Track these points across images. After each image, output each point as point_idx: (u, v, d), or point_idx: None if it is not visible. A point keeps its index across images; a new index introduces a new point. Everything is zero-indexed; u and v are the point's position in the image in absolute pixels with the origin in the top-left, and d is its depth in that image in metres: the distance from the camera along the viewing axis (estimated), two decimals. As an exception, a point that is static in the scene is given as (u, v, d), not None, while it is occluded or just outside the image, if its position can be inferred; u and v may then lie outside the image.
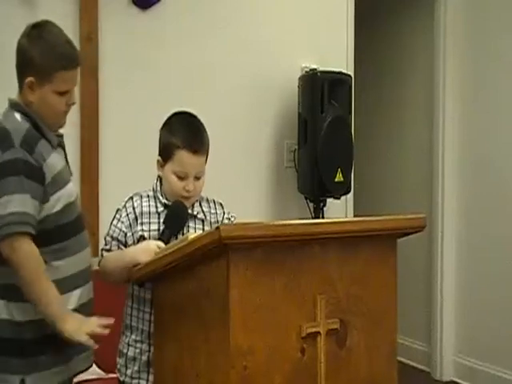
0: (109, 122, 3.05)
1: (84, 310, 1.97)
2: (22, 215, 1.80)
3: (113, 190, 3.03)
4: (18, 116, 1.92)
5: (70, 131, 2.93)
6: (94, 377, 2.67)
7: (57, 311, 1.83)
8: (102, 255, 2.05)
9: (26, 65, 1.90)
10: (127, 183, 3.03)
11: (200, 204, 2.09)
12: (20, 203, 1.80)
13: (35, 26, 1.94)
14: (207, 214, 2.08)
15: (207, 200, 2.12)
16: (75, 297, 1.95)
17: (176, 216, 2.00)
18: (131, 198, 2.07)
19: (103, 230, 2.93)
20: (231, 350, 1.54)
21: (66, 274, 1.92)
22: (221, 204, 2.15)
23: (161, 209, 2.03)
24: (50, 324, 1.83)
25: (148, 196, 2.07)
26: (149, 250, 1.88)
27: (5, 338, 1.88)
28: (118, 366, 2.08)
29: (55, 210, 1.90)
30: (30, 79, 1.89)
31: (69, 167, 2.06)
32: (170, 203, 2.03)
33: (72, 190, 1.98)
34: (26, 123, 1.90)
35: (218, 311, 1.58)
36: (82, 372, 2.06)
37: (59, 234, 1.92)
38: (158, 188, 2.07)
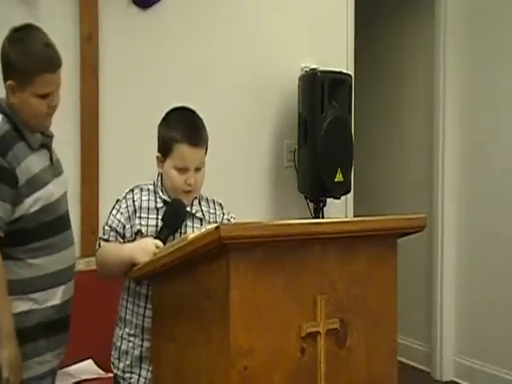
0: (109, 122, 3.05)
1: (66, 306, 2.04)
2: None
3: (113, 189, 3.01)
4: None
5: (71, 130, 2.96)
6: (94, 376, 2.67)
7: (5, 331, 1.86)
8: (99, 245, 2.05)
9: (7, 68, 1.94)
10: (127, 182, 3.04)
11: (199, 203, 2.09)
12: None
13: (17, 29, 1.96)
14: (206, 214, 2.07)
15: (207, 199, 2.12)
16: (59, 293, 2.01)
17: (174, 214, 2.00)
18: (132, 190, 2.07)
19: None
20: (231, 350, 1.54)
21: (47, 272, 1.97)
22: (220, 204, 2.14)
23: (160, 205, 2.03)
24: None
25: (148, 190, 2.07)
26: (147, 250, 1.88)
27: None
28: (112, 359, 2.09)
29: (32, 210, 1.93)
30: (10, 82, 1.92)
31: (58, 166, 2.08)
32: (169, 200, 2.02)
33: (52, 191, 2.00)
34: (6, 125, 1.93)
35: (218, 311, 1.58)
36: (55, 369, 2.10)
37: (37, 233, 1.95)
38: (159, 183, 2.07)
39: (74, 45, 2.94)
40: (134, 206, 2.02)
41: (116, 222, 2.02)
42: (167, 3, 3.19)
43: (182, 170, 1.99)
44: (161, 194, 2.04)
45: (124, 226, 2.01)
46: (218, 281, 1.58)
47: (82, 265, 2.88)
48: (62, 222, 2.04)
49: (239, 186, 3.44)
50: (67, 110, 2.92)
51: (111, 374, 2.15)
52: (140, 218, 2.01)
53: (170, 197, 2.04)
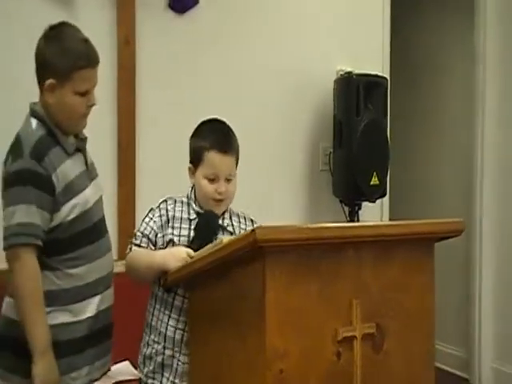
0: (145, 125, 3.08)
1: (103, 316, 1.98)
2: (26, 226, 1.80)
3: (149, 191, 3.06)
4: (33, 123, 1.90)
5: (108, 133, 3.00)
6: (130, 378, 2.69)
7: (37, 346, 1.81)
8: (130, 249, 2.06)
9: (44, 67, 1.89)
10: (163, 185, 3.06)
11: (230, 217, 2.09)
12: (26, 214, 1.79)
13: (52, 27, 1.93)
14: (236, 228, 2.08)
15: (238, 215, 2.13)
16: (94, 304, 1.94)
17: (207, 225, 2.01)
18: (165, 200, 2.09)
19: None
20: (267, 353, 1.53)
21: (84, 282, 1.91)
22: (252, 220, 2.14)
23: (193, 216, 2.04)
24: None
25: (182, 202, 2.08)
26: (179, 256, 1.89)
27: (19, 340, 1.84)
28: (138, 363, 2.12)
29: (69, 218, 1.88)
30: (50, 81, 1.87)
31: (93, 170, 2.03)
32: (202, 212, 2.03)
33: (88, 196, 1.95)
34: (40, 130, 1.89)
35: (254, 314, 1.58)
36: (97, 379, 2.03)
37: (74, 242, 1.90)
38: (192, 196, 2.08)
39: (112, 48, 2.98)
40: (168, 215, 2.04)
41: (149, 229, 2.04)
42: (203, 8, 3.21)
43: (213, 180, 1.99)
44: (194, 206, 2.06)
45: (156, 234, 2.03)
46: (253, 284, 1.58)
47: (119, 267, 2.91)
48: (98, 229, 1.99)
49: (274, 190, 3.44)
50: (104, 112, 2.96)
51: (147, 376, 2.17)
52: (173, 227, 2.02)
53: (202, 208, 2.04)
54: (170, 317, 2.01)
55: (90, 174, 2.02)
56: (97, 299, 1.95)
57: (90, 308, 1.93)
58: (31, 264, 1.81)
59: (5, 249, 1.82)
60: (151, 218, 2.05)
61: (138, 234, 2.05)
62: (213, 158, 1.98)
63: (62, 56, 1.87)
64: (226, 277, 1.70)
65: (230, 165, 2.02)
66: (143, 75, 3.07)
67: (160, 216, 2.04)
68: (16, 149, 1.86)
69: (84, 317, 1.92)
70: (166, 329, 2.01)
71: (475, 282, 4.11)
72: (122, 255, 2.98)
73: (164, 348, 2.02)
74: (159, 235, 2.03)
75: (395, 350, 1.76)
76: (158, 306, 2.05)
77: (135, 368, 2.76)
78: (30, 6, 2.81)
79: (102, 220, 2.03)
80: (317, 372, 1.61)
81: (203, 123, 2.10)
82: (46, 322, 1.83)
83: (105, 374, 2.05)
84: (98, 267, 1.95)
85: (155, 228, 2.03)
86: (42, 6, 2.82)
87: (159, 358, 2.03)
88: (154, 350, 2.04)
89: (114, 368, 2.76)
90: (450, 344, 4.30)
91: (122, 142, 3.02)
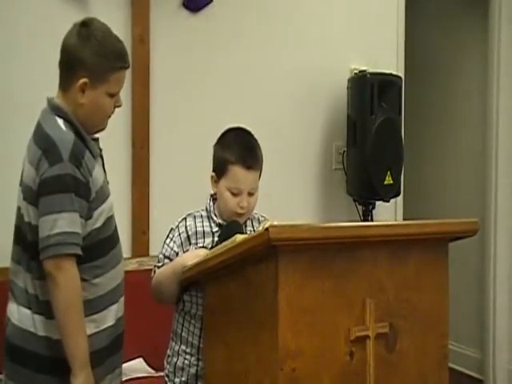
0: (160, 124, 3.09)
1: (120, 324, 1.95)
2: (70, 235, 1.73)
3: (163, 191, 3.08)
4: (61, 123, 1.82)
5: (122, 132, 3.01)
6: (144, 375, 2.70)
7: (80, 358, 1.76)
8: (154, 272, 2.05)
9: (76, 65, 1.81)
10: (177, 184, 3.09)
11: (252, 224, 2.09)
12: (68, 223, 1.73)
13: (83, 24, 1.85)
14: (257, 231, 2.06)
15: (258, 220, 2.12)
16: (113, 312, 1.91)
17: (231, 234, 1.99)
18: (185, 218, 2.06)
19: (153, 229, 2.99)
20: (280, 352, 1.53)
21: (105, 291, 1.88)
22: (267, 220, 2.13)
23: (215, 229, 2.03)
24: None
25: (202, 216, 2.06)
26: (198, 254, 1.89)
27: (40, 355, 1.82)
28: (167, 372, 2.09)
29: (97, 225, 1.84)
30: (83, 80, 1.81)
31: (106, 176, 1.97)
32: (224, 223, 2.02)
33: (112, 203, 1.92)
34: (71, 133, 1.81)
35: (267, 313, 1.58)
36: None
37: (99, 249, 1.86)
38: (212, 208, 2.06)
39: (126, 47, 2.98)
40: (187, 232, 2.02)
41: (169, 250, 2.03)
42: (217, 7, 3.22)
43: (236, 194, 1.98)
44: (215, 218, 2.04)
45: (177, 254, 2.01)
46: (266, 282, 1.58)
47: (133, 264, 2.93)
48: (116, 236, 1.95)
49: (288, 189, 3.43)
50: (118, 111, 2.95)
51: (161, 373, 2.18)
52: (196, 243, 2.00)
53: (224, 219, 2.03)
54: (200, 329, 1.99)
55: (106, 178, 1.97)
56: (115, 307, 1.92)
57: (110, 317, 1.90)
58: (75, 274, 1.76)
59: (46, 258, 1.74)
60: (171, 239, 2.04)
61: (160, 256, 2.04)
62: (237, 172, 1.96)
63: (101, 56, 1.81)
64: (239, 274, 1.70)
65: (254, 179, 2.00)
66: (157, 74, 3.08)
67: (179, 234, 2.02)
68: (52, 152, 1.76)
69: (105, 326, 1.88)
70: (199, 341, 1.99)
71: (490, 283, 4.08)
72: (136, 253, 3.00)
73: (198, 360, 2.00)
74: (180, 253, 2.00)
75: (408, 350, 1.75)
76: (188, 318, 2.03)
77: (148, 365, 2.78)
78: (44, 5, 2.83)
79: (116, 227, 1.99)
80: (329, 371, 1.61)
81: (228, 131, 2.07)
82: (86, 333, 1.79)
83: (121, 381, 2.05)
84: (115, 275, 1.92)
85: (175, 248, 2.02)
86: (57, 5, 2.83)
87: (193, 370, 2.01)
88: (186, 361, 2.02)
89: (127, 365, 2.78)
90: (465, 345, 4.28)
91: (136, 141, 3.03)
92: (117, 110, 2.73)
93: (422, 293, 1.78)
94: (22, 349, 1.84)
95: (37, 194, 1.77)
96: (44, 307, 1.81)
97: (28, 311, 1.84)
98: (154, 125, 3.08)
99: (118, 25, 2.96)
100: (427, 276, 1.80)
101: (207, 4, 3.20)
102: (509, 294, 4.04)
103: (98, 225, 1.84)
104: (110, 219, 1.90)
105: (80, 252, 1.76)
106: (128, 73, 2.98)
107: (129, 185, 3.03)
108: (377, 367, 1.67)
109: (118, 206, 3.02)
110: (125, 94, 2.98)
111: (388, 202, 3.53)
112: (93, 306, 1.85)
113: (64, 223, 1.73)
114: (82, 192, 1.78)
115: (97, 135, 1.97)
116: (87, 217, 1.80)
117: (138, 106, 3.02)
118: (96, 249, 1.85)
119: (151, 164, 3.06)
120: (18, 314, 1.85)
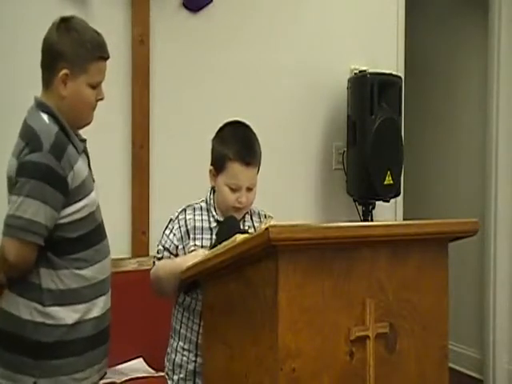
0: (159, 124, 3.10)
1: (106, 318, 1.97)
2: (32, 224, 1.77)
3: (163, 190, 3.07)
4: (45, 117, 1.86)
5: (122, 132, 3.01)
6: (144, 374, 2.70)
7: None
8: (153, 263, 2.06)
9: (57, 58, 1.85)
10: (177, 183, 3.09)
11: (251, 218, 2.10)
12: (33, 210, 1.77)
13: (62, 20, 1.89)
14: (257, 230, 2.07)
15: (258, 214, 2.13)
16: (100, 304, 1.93)
17: (228, 231, 1.99)
18: (184, 210, 2.07)
19: (153, 229, 2.99)
20: (279, 352, 1.53)
21: (91, 282, 1.90)
22: (271, 218, 2.13)
23: (214, 224, 2.04)
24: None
25: (201, 208, 2.07)
26: (198, 255, 1.89)
27: (24, 338, 1.84)
28: (166, 370, 2.11)
29: (78, 217, 1.86)
30: (64, 72, 1.84)
31: (91, 174, 2.00)
32: (222, 219, 2.03)
33: (95, 198, 1.94)
34: (55, 126, 1.85)
35: (267, 312, 1.58)
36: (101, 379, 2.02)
37: (82, 243, 1.89)
38: (211, 201, 2.07)
39: (126, 47, 2.99)
40: (187, 226, 2.03)
41: (169, 242, 2.04)
42: (217, 7, 3.22)
43: (234, 189, 1.99)
44: (214, 213, 2.05)
45: (177, 247, 2.03)
46: (266, 282, 1.58)
47: (133, 264, 2.93)
48: (102, 231, 1.98)
49: (287, 188, 3.43)
50: (118, 111, 2.98)
51: (161, 373, 2.18)
52: (194, 238, 2.02)
53: (222, 214, 2.04)
54: (200, 325, 2.00)
55: (92, 176, 2.00)
56: (103, 299, 1.94)
57: (97, 308, 1.92)
58: (31, 261, 1.82)
59: (6, 236, 1.79)
60: (171, 231, 2.05)
61: (160, 247, 2.05)
62: (235, 169, 1.97)
63: (79, 46, 1.84)
64: (239, 274, 1.70)
65: (252, 175, 2.01)
66: (157, 74, 3.08)
67: (179, 227, 2.03)
68: (33, 140, 1.80)
69: (91, 316, 1.91)
70: (197, 337, 2.00)
71: (489, 283, 4.08)
72: (135, 253, 3.00)
73: (196, 356, 2.01)
74: (180, 247, 2.02)
75: (408, 350, 1.75)
76: (186, 314, 2.04)
77: (148, 365, 2.78)
78: (44, 5, 2.83)
79: (103, 224, 2.01)
80: (329, 371, 1.61)
81: (226, 125, 2.07)
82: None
83: (102, 378, 2.03)
84: (102, 269, 1.94)
85: (175, 241, 2.03)
86: (57, 5, 2.83)
87: (191, 366, 2.03)
88: (184, 358, 2.04)
89: (127, 365, 2.78)
90: (465, 345, 4.28)
91: (136, 140, 3.03)
92: (117, 109, 2.75)
93: (422, 293, 1.78)
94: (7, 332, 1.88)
95: (15, 173, 1.82)
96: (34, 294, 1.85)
97: (8, 292, 1.89)
98: (154, 125, 3.08)
99: (118, 25, 2.98)
100: (427, 276, 1.80)
101: (207, 4, 3.20)
102: (509, 294, 4.03)
103: (80, 216, 1.87)
104: (93, 214, 1.92)
105: (41, 242, 1.80)
106: (128, 73, 3.03)
107: (129, 185, 3.03)
108: (377, 367, 1.67)
109: (118, 206, 3.03)
110: (125, 94, 3.01)
111: (388, 202, 3.53)
112: (77, 296, 1.88)
113: (27, 209, 1.77)
114: (57, 183, 1.80)
115: (85, 136, 1.99)
116: (65, 207, 1.83)
117: (137, 105, 3.02)
118: (77, 242, 1.88)
119: (151, 164, 3.06)
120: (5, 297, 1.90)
